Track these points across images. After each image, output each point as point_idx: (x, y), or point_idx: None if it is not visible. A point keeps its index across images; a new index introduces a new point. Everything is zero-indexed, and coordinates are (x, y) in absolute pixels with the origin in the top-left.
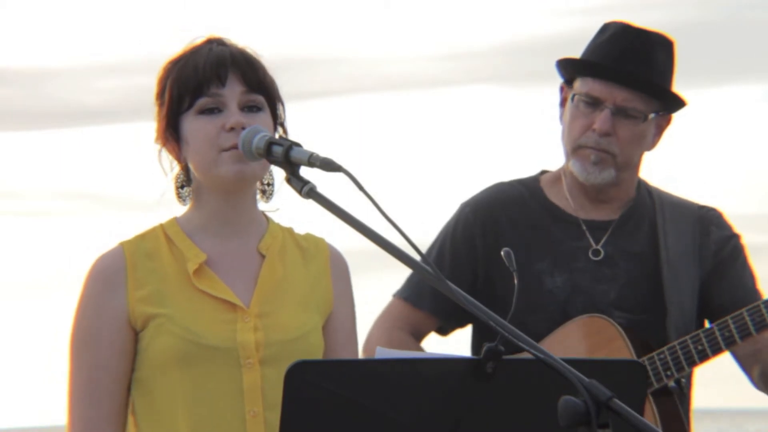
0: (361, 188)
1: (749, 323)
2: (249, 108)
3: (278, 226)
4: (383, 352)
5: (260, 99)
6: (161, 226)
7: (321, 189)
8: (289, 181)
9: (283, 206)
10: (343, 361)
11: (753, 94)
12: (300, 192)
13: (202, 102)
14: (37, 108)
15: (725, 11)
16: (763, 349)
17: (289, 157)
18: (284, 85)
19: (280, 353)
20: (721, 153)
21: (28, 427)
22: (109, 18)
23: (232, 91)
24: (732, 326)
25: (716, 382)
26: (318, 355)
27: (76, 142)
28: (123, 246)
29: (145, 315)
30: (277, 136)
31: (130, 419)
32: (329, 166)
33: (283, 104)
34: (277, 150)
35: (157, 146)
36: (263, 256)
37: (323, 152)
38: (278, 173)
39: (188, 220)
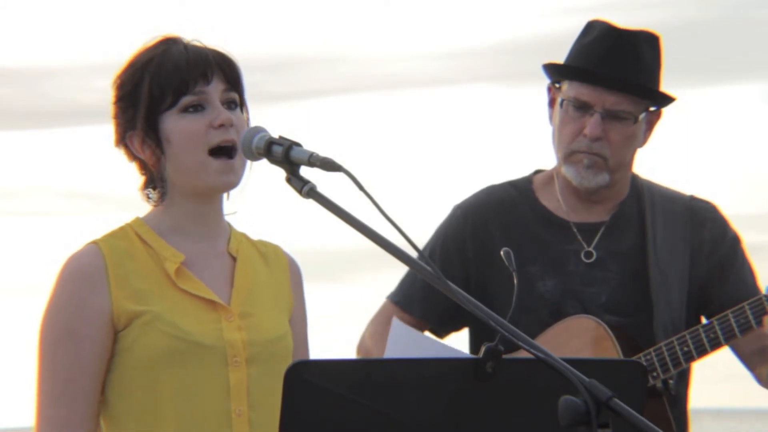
0: (361, 188)
1: (734, 326)
2: (228, 105)
3: (236, 230)
4: (399, 326)
5: (237, 96)
6: (129, 225)
7: (321, 189)
8: (289, 180)
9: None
10: (343, 361)
11: (753, 94)
12: (300, 192)
13: (187, 100)
14: (35, 107)
15: (725, 10)
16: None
17: (289, 157)
18: (284, 85)
19: (263, 353)
20: (721, 153)
21: (28, 427)
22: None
23: (215, 89)
24: (717, 328)
25: (724, 381)
26: (291, 356)
27: (75, 142)
28: (98, 244)
29: (130, 313)
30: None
31: (101, 422)
32: (329, 165)
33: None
34: (277, 150)
35: (120, 149)
36: (234, 258)
37: (323, 152)
38: (274, 173)
39: (157, 221)
